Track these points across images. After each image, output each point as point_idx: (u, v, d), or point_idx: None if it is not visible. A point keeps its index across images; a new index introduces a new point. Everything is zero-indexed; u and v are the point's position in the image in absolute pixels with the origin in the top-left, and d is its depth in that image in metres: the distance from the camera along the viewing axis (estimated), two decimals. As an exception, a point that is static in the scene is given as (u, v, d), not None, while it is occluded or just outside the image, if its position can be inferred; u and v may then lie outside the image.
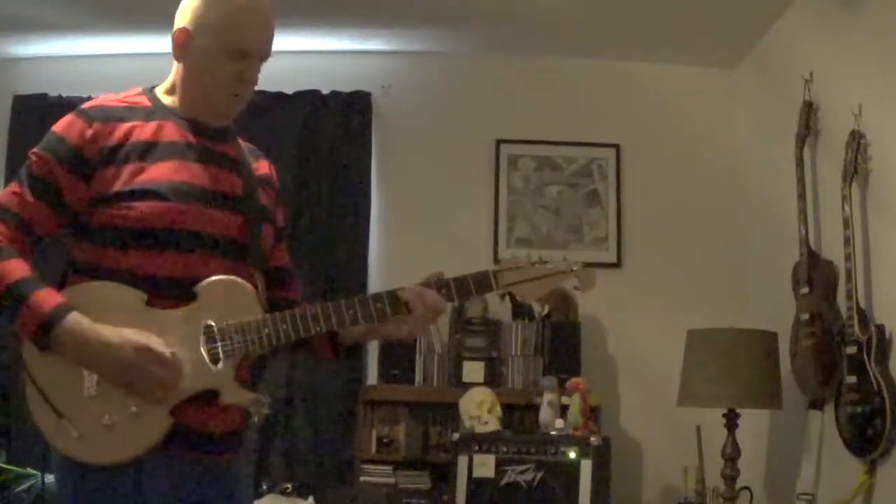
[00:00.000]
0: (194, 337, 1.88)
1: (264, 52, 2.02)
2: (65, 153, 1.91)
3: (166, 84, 2.06)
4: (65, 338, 1.80)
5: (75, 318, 1.81)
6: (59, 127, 1.96)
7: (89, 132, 1.92)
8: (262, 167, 2.16)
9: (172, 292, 1.89)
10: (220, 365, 1.88)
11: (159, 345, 1.83)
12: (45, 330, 1.80)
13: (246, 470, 2.12)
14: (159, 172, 1.90)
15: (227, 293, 1.92)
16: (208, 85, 2.00)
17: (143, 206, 1.87)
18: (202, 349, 1.88)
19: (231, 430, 1.98)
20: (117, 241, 1.88)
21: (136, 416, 1.83)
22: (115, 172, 1.89)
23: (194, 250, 1.90)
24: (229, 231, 1.96)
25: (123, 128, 1.94)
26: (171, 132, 1.97)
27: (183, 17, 2.01)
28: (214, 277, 1.91)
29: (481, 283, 2.01)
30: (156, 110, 2.00)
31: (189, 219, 1.90)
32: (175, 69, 2.05)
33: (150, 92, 2.05)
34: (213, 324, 1.89)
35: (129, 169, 1.89)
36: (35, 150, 1.95)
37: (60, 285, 1.92)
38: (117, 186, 1.88)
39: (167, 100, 2.04)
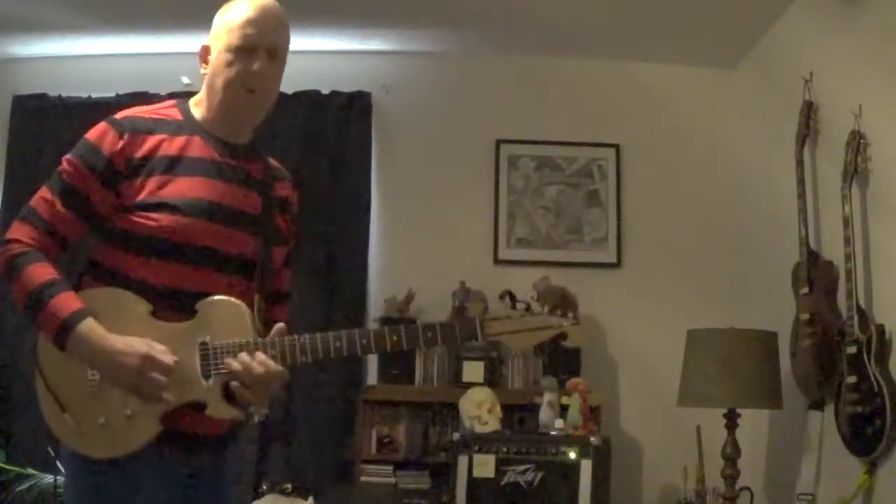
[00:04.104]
0: (190, 352, 1.96)
1: (270, 45, 2.09)
2: (96, 162, 1.98)
3: (198, 96, 2.14)
4: (78, 342, 1.91)
5: (88, 325, 1.91)
6: (91, 135, 2.02)
7: (120, 143, 1.99)
8: (284, 189, 2.22)
9: (177, 304, 1.98)
10: (210, 381, 1.96)
11: (163, 354, 1.92)
12: (62, 334, 1.90)
13: (232, 469, 2.21)
14: (181, 187, 1.98)
15: (225, 313, 1.99)
16: (223, 85, 2.06)
17: (162, 219, 1.95)
18: (196, 364, 1.96)
19: (217, 433, 2.07)
20: (134, 248, 1.97)
21: (129, 419, 1.94)
22: (141, 183, 1.97)
23: (205, 266, 1.99)
24: (242, 249, 2.05)
25: (152, 141, 2.01)
26: (197, 148, 2.05)
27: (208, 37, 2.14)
28: (215, 297, 1.99)
29: (467, 330, 2.03)
30: (185, 125, 2.07)
31: (204, 235, 1.98)
32: (203, 82, 2.14)
33: (182, 105, 2.13)
34: (207, 342, 1.97)
35: (153, 181, 1.98)
36: (68, 156, 2.02)
37: (79, 280, 2.03)
38: (142, 197, 1.97)
39: (197, 112, 2.11)
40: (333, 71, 4.86)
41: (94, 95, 4.73)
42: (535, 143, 4.89)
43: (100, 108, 4.79)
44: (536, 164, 4.87)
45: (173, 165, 2.00)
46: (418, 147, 4.89)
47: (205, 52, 2.12)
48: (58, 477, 3.82)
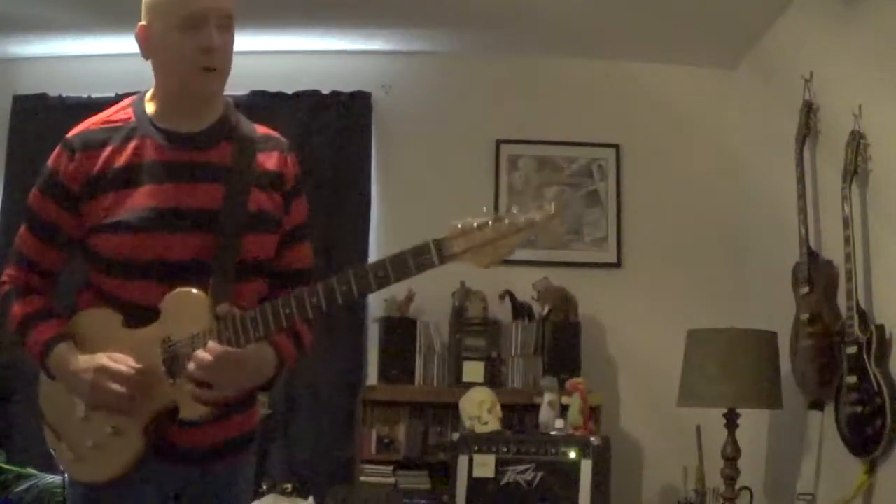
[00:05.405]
0: (156, 353, 1.89)
1: (219, 12, 1.91)
2: (54, 189, 1.94)
3: (151, 89, 2.03)
4: (53, 369, 1.94)
5: (60, 350, 1.92)
6: (50, 161, 1.97)
7: (72, 165, 1.92)
8: (270, 161, 2.05)
9: (145, 316, 1.91)
10: (178, 380, 1.87)
11: (115, 362, 1.87)
12: (44, 367, 1.96)
13: (245, 479, 2.11)
14: (132, 202, 1.89)
15: (181, 305, 1.88)
16: (176, 66, 1.92)
17: (115, 238, 1.89)
18: (161, 365, 1.89)
19: (221, 442, 2.00)
20: (102, 267, 1.94)
21: (113, 436, 1.90)
22: (99, 204, 1.90)
23: (163, 277, 1.89)
24: (197, 253, 1.91)
25: (104, 155, 1.92)
26: (147, 151, 1.93)
27: (141, 18, 1.99)
28: (172, 291, 1.89)
29: (421, 258, 1.86)
30: (137, 126, 1.95)
31: (155, 248, 1.88)
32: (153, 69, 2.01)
33: (138, 102, 2.01)
34: (169, 339, 1.88)
35: (108, 200, 1.90)
36: (34, 188, 1.99)
37: (76, 298, 2.02)
38: (100, 217, 1.90)
39: (151, 107, 1.99)
40: (333, 71, 4.85)
41: (94, 95, 4.72)
42: (535, 143, 4.89)
43: (100, 108, 4.82)
44: (536, 164, 4.87)
45: (125, 179, 1.90)
46: (418, 147, 4.89)
47: (144, 33, 1.95)
48: (48, 480, 3.85)
